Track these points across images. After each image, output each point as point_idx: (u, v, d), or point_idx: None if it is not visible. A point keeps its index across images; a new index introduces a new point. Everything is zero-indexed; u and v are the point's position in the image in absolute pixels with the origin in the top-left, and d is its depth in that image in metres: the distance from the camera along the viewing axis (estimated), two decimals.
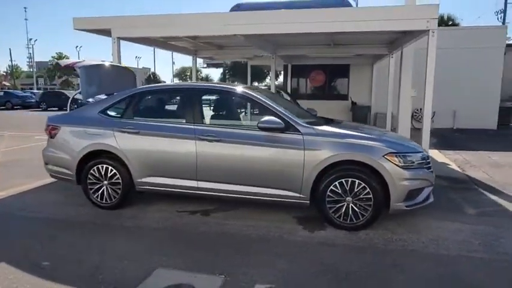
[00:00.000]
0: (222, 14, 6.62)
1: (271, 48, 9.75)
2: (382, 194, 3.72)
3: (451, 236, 3.75)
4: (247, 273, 2.97)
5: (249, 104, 4.48)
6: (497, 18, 30.88)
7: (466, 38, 13.14)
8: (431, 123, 8.54)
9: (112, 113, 4.56)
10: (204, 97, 4.63)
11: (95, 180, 4.47)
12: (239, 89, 4.34)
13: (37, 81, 53.89)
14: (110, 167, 4.40)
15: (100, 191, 4.47)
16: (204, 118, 4.25)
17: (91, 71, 5.02)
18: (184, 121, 4.30)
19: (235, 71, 41.96)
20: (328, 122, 4.57)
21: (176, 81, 76.31)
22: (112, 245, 3.54)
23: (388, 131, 5.47)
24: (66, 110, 6.19)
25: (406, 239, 3.67)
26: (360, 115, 12.67)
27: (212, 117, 4.83)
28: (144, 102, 4.77)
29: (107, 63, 5.33)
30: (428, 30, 5.77)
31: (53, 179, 5.00)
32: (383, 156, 3.71)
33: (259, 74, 50.81)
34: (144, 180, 4.35)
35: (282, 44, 9.72)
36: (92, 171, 4.47)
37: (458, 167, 7.12)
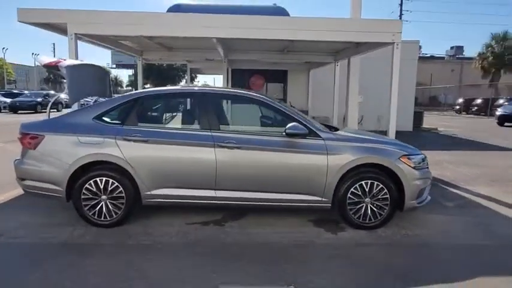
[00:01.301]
0: (200, 16, 6.36)
1: (224, 52, 9.69)
2: (397, 194, 4.03)
3: (452, 227, 4.24)
4: (313, 280, 2.96)
5: (265, 110, 4.38)
6: None
7: (387, 51, 14.71)
8: (360, 126, 9.19)
9: (110, 119, 4.08)
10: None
11: (91, 196, 3.94)
12: (256, 94, 4.26)
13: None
14: (111, 180, 3.93)
15: (97, 208, 3.96)
16: (220, 124, 4.07)
17: (78, 70, 4.40)
18: (198, 127, 4.06)
19: (148, 73, 40.11)
20: (330, 127, 4.74)
21: None
22: (152, 266, 3.17)
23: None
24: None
25: (419, 233, 4.03)
26: None
27: (229, 124, 4.62)
28: (150, 107, 4.37)
29: (88, 63, 4.73)
30: (394, 42, 6.40)
31: (13, 194, 4.26)
32: (399, 158, 4.02)
33: (173, 76, 49.67)
34: (153, 192, 3.98)
35: (234, 48, 9.73)
36: (87, 185, 3.93)
37: None
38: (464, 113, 30.16)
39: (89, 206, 3.95)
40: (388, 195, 4.01)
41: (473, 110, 28.81)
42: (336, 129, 4.42)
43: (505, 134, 14.79)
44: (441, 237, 3.96)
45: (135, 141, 3.92)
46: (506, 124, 18.20)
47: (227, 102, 4.72)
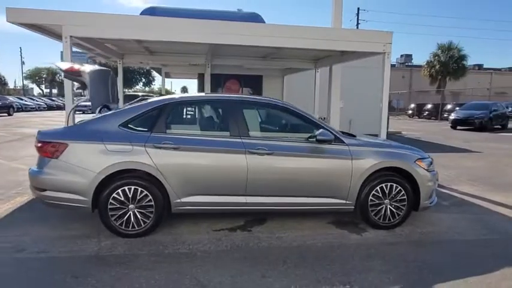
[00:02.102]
0: (203, 21, 6.32)
1: (208, 57, 9.69)
2: (413, 195, 4.33)
3: (456, 224, 4.62)
4: (366, 279, 3.13)
5: (290, 116, 4.48)
6: None
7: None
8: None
9: (137, 127, 3.99)
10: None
11: (118, 205, 3.83)
12: (283, 102, 4.37)
13: None
14: (140, 188, 3.85)
15: (125, 217, 3.86)
16: (249, 131, 4.13)
17: (98, 76, 4.23)
18: (228, 134, 4.10)
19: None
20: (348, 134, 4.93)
21: (26, 82, 65.51)
22: (202, 274, 3.15)
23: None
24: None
25: (432, 231, 4.36)
26: None
27: (257, 130, 4.65)
28: (178, 114, 4.31)
29: (103, 68, 4.55)
30: (385, 52, 6.81)
31: (14, 205, 4.02)
32: (415, 161, 4.33)
33: (129, 79, 48.14)
34: (184, 200, 3.95)
35: (219, 54, 9.75)
36: (114, 194, 3.82)
37: None
38: (416, 117, 32.26)
39: (116, 215, 3.84)
40: (405, 197, 4.30)
41: (424, 114, 30.91)
42: (353, 135, 4.65)
43: (460, 136, 16.08)
44: (451, 233, 4.32)
45: (165, 148, 3.88)
46: (458, 127, 19.79)
47: (256, 110, 4.77)
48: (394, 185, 4.27)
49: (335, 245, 3.89)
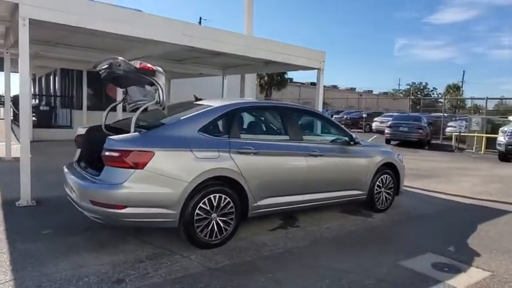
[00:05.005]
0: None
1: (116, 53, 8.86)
2: (397, 182, 5.63)
3: (415, 204, 6.18)
4: (420, 244, 4.12)
5: (321, 122, 5.00)
6: None
7: None
8: None
9: (214, 132, 3.82)
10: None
11: (204, 215, 3.61)
12: (317, 110, 4.89)
13: None
14: (224, 196, 3.73)
15: (209, 227, 3.67)
16: (303, 135, 4.53)
17: (164, 76, 3.66)
18: (287, 138, 4.37)
19: None
20: None
21: None
22: (328, 267, 3.46)
23: None
24: None
25: (407, 211, 5.75)
26: None
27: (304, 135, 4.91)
28: (245, 119, 4.22)
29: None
30: (320, 69, 8.10)
31: None
32: (397, 156, 5.64)
33: None
34: (259, 203, 4.03)
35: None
36: (201, 204, 3.59)
37: None
38: None
39: (201, 227, 3.61)
40: (393, 184, 5.56)
41: None
42: None
43: None
44: (418, 210, 5.82)
45: (247, 153, 3.88)
46: None
47: (300, 116, 5.07)
48: (388, 176, 5.46)
49: (366, 228, 4.72)
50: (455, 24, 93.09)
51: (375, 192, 5.30)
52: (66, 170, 4.09)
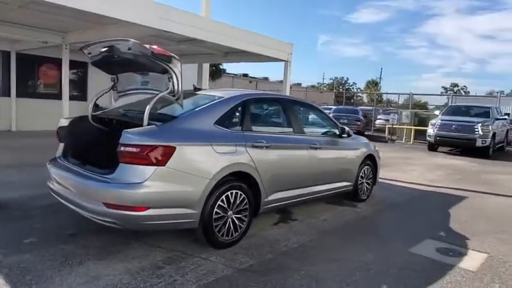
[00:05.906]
0: None
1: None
2: (375, 172, 5.90)
3: (387, 194, 6.50)
4: (410, 224, 4.38)
5: (315, 114, 4.94)
6: None
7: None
8: None
9: (228, 125, 3.58)
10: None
11: (222, 214, 3.39)
12: (315, 104, 4.84)
13: None
14: (239, 192, 3.54)
15: (226, 226, 3.46)
16: (304, 128, 4.47)
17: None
18: (291, 131, 4.28)
19: None
20: None
21: None
22: (348, 257, 3.49)
23: None
24: None
25: (383, 200, 6.06)
26: None
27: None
28: (253, 111, 3.97)
29: None
30: (288, 61, 8.12)
31: None
32: (374, 147, 5.89)
33: None
34: (270, 198, 3.91)
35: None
36: (219, 202, 3.36)
37: None
38: None
39: (219, 225, 3.39)
40: (372, 175, 5.81)
41: None
42: None
43: None
44: (391, 199, 6.17)
45: (260, 147, 3.71)
46: None
47: (299, 108, 4.91)
48: (368, 167, 5.69)
49: (358, 218, 4.88)
50: (370, 24, 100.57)
51: (359, 183, 5.49)
52: (51, 166, 3.53)
